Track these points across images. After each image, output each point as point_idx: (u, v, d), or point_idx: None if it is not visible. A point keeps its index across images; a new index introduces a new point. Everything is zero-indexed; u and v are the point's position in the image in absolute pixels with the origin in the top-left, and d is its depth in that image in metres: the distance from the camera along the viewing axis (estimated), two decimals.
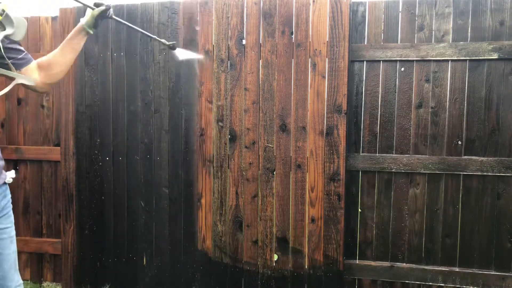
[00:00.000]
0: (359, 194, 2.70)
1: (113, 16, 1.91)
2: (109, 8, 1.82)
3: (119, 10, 2.83)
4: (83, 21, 1.79)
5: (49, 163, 3.11)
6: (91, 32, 1.82)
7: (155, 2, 2.78)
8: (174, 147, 2.81)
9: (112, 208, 2.92)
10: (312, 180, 2.64)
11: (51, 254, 3.13)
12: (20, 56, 1.60)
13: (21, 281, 1.56)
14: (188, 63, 2.74)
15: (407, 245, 2.66)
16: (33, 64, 1.66)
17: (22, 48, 1.63)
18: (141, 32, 2.28)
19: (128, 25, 2.15)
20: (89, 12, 1.80)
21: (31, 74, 1.64)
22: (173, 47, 2.32)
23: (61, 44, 1.78)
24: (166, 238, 2.84)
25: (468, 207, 2.58)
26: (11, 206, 1.62)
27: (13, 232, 1.55)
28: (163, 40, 2.26)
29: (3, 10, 1.41)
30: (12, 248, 1.52)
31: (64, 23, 2.89)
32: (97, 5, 1.80)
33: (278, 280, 2.72)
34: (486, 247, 2.57)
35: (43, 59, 1.72)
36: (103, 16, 1.81)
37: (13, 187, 3.19)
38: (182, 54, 2.55)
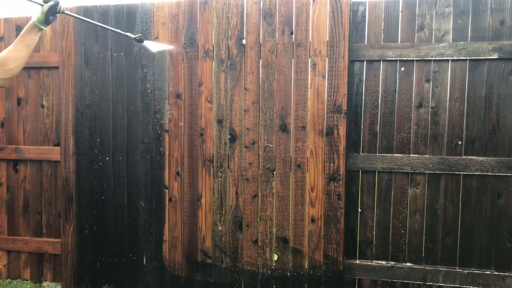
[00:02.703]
0: (359, 194, 2.70)
1: (65, 12, 1.97)
2: (58, 3, 1.88)
3: (119, 10, 2.83)
4: (34, 17, 1.85)
5: (49, 163, 3.11)
6: (43, 27, 1.87)
7: (155, 1, 2.78)
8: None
9: (112, 208, 2.92)
10: (312, 180, 2.64)
11: (51, 254, 3.13)
12: None
13: None
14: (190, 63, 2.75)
15: (407, 245, 2.65)
16: None
17: None
18: (102, 26, 2.36)
19: (86, 20, 2.22)
20: (38, 9, 1.85)
21: None
22: (140, 40, 2.42)
23: (15, 40, 1.84)
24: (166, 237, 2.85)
25: (468, 207, 2.58)
26: None
27: None
28: (128, 34, 2.36)
29: None
30: None
31: (63, 22, 2.89)
32: (45, 1, 1.86)
33: (278, 280, 2.72)
34: (486, 247, 2.57)
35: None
36: (53, 11, 1.87)
37: (13, 186, 3.19)
38: (152, 46, 2.59)
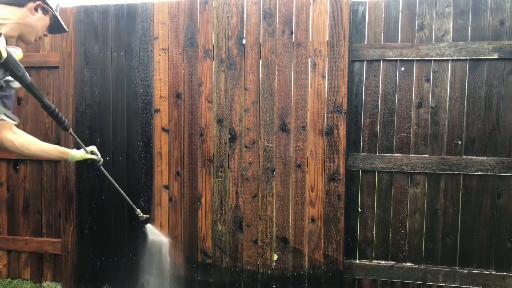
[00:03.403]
0: (359, 194, 2.70)
1: (101, 168, 2.14)
2: (100, 161, 2.09)
3: (119, 9, 2.83)
4: (73, 152, 2.01)
5: (49, 163, 3.11)
6: (70, 161, 2.10)
7: (155, 1, 2.78)
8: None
9: (112, 207, 2.92)
10: (312, 179, 2.64)
11: (51, 254, 3.13)
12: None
13: None
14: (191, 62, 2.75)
15: (407, 245, 2.66)
16: (12, 122, 1.76)
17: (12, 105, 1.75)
18: (126, 199, 2.40)
19: (112, 182, 2.32)
20: (82, 152, 2.04)
21: (3, 127, 1.74)
22: (145, 221, 2.48)
23: (47, 144, 1.96)
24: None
25: (468, 206, 2.58)
26: None
27: None
28: (138, 210, 2.41)
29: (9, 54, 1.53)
30: None
31: (64, 22, 2.87)
32: (93, 152, 2.07)
33: (278, 280, 2.72)
34: (486, 246, 2.57)
35: (22, 133, 1.85)
36: (91, 162, 2.07)
37: (13, 186, 3.19)
38: (151, 231, 2.57)
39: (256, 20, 2.66)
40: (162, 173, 2.83)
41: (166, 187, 2.83)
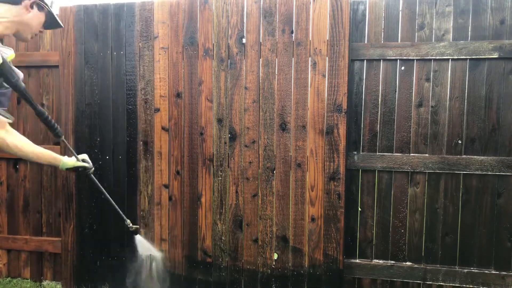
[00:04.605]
0: (359, 193, 2.70)
1: (91, 176, 2.18)
2: (91, 169, 2.14)
3: (119, 8, 2.83)
4: (64, 159, 2.03)
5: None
6: (61, 169, 2.08)
7: (155, 0, 2.78)
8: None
9: (112, 207, 2.91)
10: (312, 179, 2.64)
11: (51, 253, 3.13)
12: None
13: None
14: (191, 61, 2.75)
15: (407, 244, 2.66)
16: (6, 121, 1.76)
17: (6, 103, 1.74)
18: (116, 209, 2.46)
19: (102, 191, 2.37)
20: (73, 159, 2.07)
21: None
22: (134, 232, 2.53)
23: (40, 148, 1.96)
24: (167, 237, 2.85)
25: (468, 206, 2.58)
26: None
27: None
28: (128, 221, 2.47)
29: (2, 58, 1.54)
30: None
31: (64, 21, 2.88)
32: (84, 160, 2.10)
33: (278, 279, 2.72)
34: (486, 246, 2.57)
35: (15, 133, 1.86)
36: (82, 169, 2.11)
37: (13, 185, 3.19)
38: (141, 244, 2.65)
39: (256, 19, 2.66)
40: (162, 172, 2.83)
41: (166, 186, 2.83)
